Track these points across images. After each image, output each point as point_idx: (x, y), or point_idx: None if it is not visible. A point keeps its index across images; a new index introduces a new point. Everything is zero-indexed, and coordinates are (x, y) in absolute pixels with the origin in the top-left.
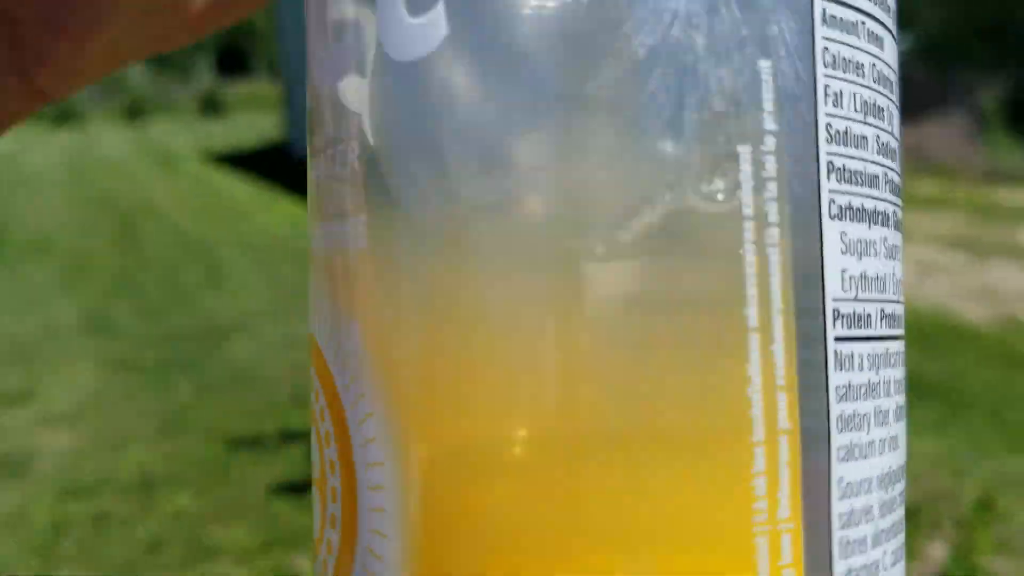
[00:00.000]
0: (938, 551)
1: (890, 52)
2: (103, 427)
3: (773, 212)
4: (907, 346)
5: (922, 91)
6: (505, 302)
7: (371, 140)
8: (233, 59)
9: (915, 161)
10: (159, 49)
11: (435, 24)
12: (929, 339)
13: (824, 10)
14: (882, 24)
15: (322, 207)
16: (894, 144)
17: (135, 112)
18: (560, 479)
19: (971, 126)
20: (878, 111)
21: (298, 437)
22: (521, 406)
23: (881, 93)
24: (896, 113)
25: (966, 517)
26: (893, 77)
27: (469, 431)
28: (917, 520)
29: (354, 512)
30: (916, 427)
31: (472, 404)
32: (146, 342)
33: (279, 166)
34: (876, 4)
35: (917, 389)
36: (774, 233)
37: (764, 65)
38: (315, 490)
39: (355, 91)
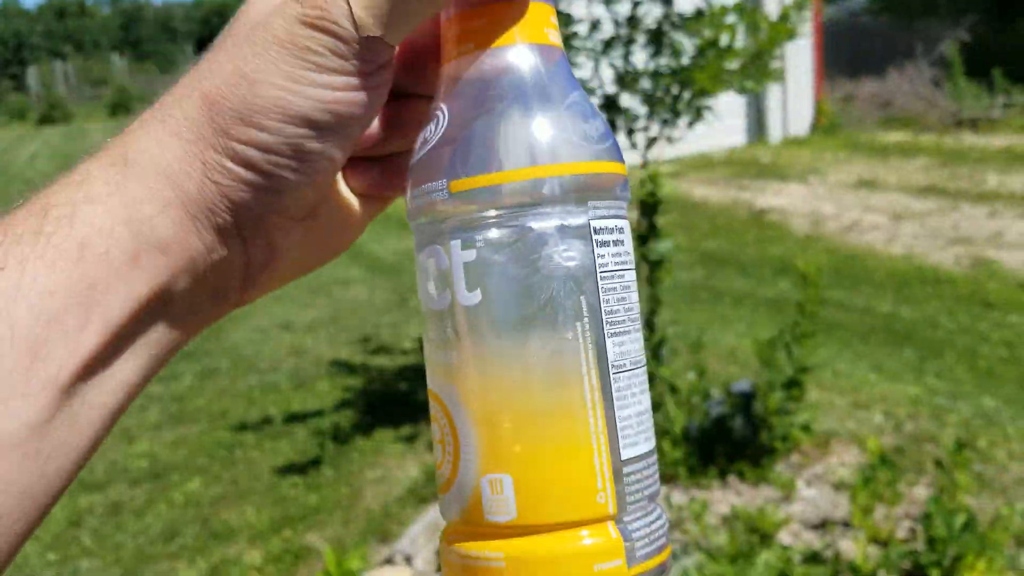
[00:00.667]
0: (922, 492)
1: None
2: None
3: (590, 339)
4: (882, 293)
5: (887, 43)
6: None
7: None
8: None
9: (883, 111)
10: (326, 262)
11: (477, 296)
12: (903, 286)
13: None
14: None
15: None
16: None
17: (119, 107)
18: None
19: (935, 75)
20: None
21: (300, 419)
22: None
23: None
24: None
25: (947, 458)
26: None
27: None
28: (901, 463)
29: (458, 451)
30: (894, 372)
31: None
32: None
33: None
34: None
35: (893, 335)
36: (589, 340)
37: (582, 300)
38: (437, 445)
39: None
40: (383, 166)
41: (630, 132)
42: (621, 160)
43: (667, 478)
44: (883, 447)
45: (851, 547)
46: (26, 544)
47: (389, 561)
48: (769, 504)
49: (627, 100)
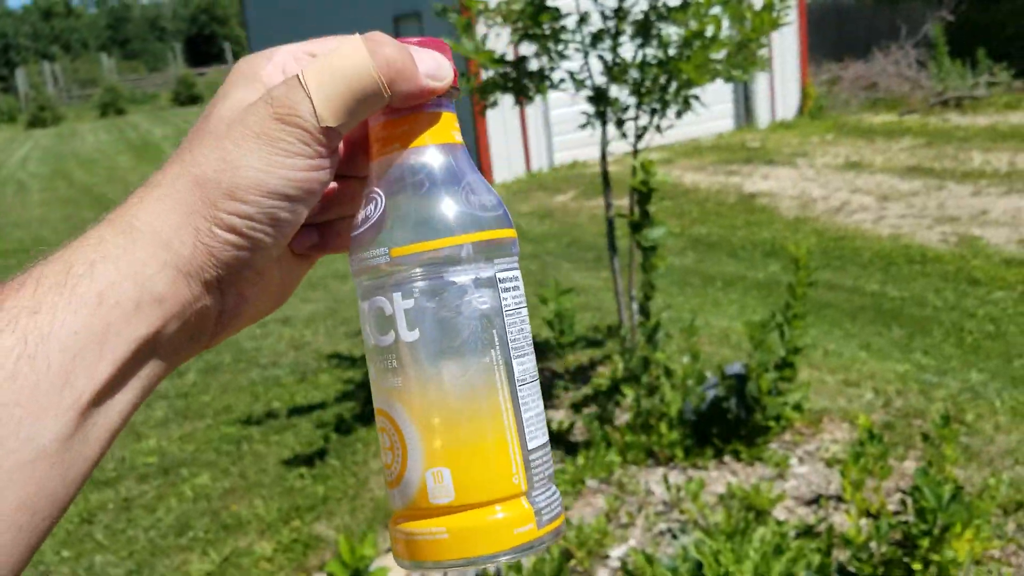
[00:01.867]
0: (911, 466)
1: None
2: None
3: (501, 361)
4: (870, 273)
5: (870, 26)
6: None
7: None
8: (201, 47)
9: (868, 93)
10: (272, 311)
11: (415, 333)
12: (891, 265)
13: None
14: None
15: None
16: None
17: (109, 107)
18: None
19: (920, 55)
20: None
21: (305, 411)
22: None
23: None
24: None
25: (935, 432)
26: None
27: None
28: (890, 438)
29: (405, 453)
30: (882, 350)
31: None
32: None
33: None
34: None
35: (881, 314)
36: (500, 362)
37: (494, 332)
38: (386, 451)
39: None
40: (321, 230)
41: (620, 122)
42: (511, 225)
43: (665, 459)
44: (873, 423)
45: (843, 520)
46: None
47: None
48: (764, 482)
49: (616, 91)
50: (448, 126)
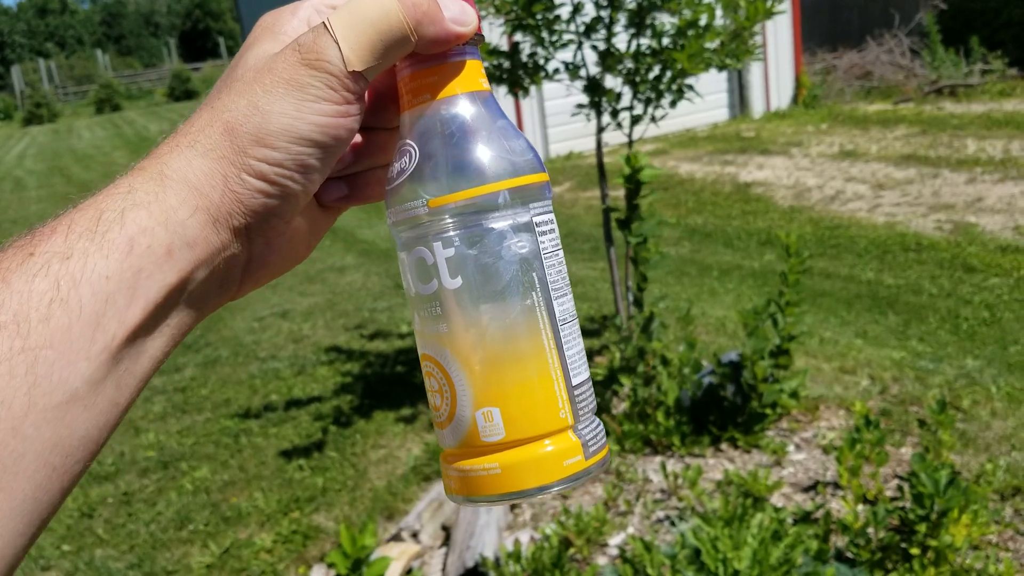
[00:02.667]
0: (908, 452)
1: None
2: None
3: (542, 303)
4: (866, 261)
5: (864, 14)
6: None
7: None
8: (195, 42)
9: (862, 82)
10: (299, 262)
11: (457, 281)
12: (886, 253)
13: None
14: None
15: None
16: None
17: (105, 103)
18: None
19: (913, 44)
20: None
21: (303, 404)
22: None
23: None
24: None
25: (931, 418)
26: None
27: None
28: (887, 424)
29: (454, 396)
30: (878, 337)
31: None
32: None
33: None
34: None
35: (877, 301)
36: (542, 303)
37: (534, 275)
38: (435, 394)
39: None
40: (349, 182)
41: (614, 112)
42: (543, 169)
43: (662, 447)
44: (870, 410)
45: (841, 507)
46: (40, 535)
47: (396, 537)
48: (761, 469)
49: (610, 81)
50: (475, 74)
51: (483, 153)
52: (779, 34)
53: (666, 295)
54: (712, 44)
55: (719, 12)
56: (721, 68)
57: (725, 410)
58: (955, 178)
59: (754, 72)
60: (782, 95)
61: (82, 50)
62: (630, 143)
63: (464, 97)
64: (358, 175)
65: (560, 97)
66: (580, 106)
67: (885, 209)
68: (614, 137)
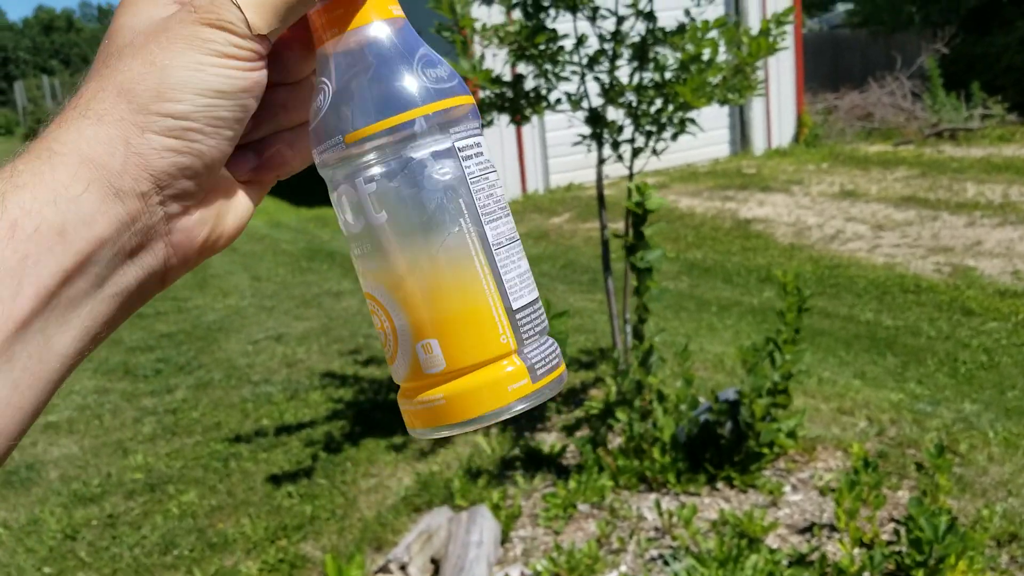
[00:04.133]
0: (905, 496)
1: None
2: (105, 432)
3: (472, 228)
4: (865, 301)
5: (866, 56)
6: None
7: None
8: None
9: (864, 123)
10: (225, 243)
11: (384, 215)
12: (885, 294)
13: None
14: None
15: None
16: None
17: None
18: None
19: (914, 86)
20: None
21: (294, 429)
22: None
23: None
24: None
25: (929, 462)
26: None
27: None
28: (884, 467)
29: (395, 331)
30: (877, 379)
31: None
32: (140, 346)
33: None
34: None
35: (876, 342)
36: (472, 229)
37: (460, 201)
38: (380, 332)
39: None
40: (257, 150)
41: (615, 144)
42: (467, 92)
43: (657, 484)
44: (867, 452)
45: (837, 550)
46: (21, 557)
47: (384, 569)
48: (756, 509)
49: (612, 113)
50: (385, 1)
51: (394, 82)
52: (781, 72)
53: (664, 329)
54: (715, 79)
55: (722, 47)
56: (723, 103)
57: (722, 448)
58: (954, 221)
59: (756, 109)
60: (783, 133)
61: (86, 68)
62: (631, 175)
63: (377, 25)
64: (265, 141)
65: (561, 128)
66: (582, 136)
67: (885, 250)
68: (614, 170)
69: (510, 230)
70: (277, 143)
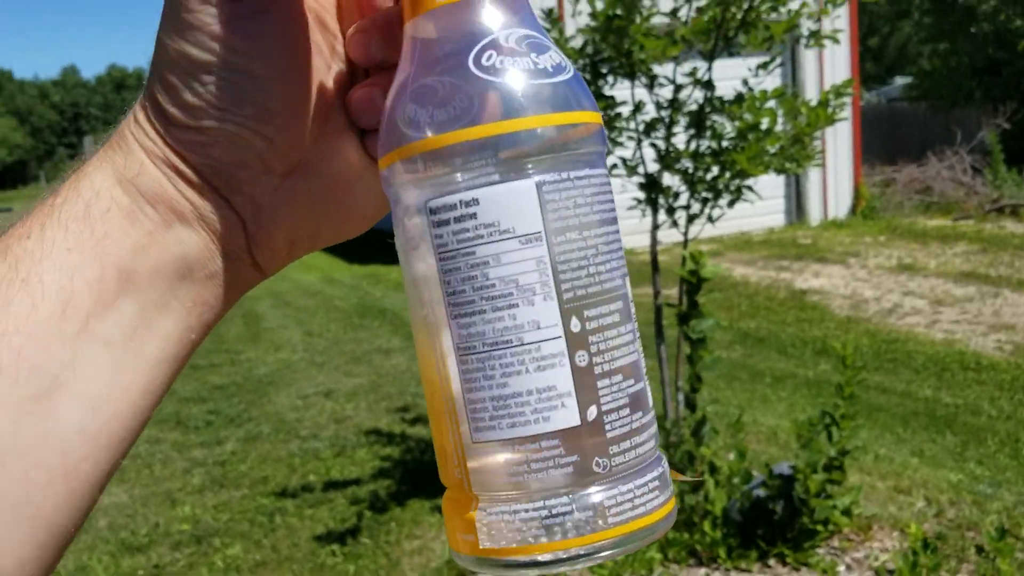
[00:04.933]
0: None
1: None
2: (155, 481)
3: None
4: (923, 377)
5: (925, 129)
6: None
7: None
8: None
9: (922, 197)
10: (343, 237)
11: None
12: (944, 371)
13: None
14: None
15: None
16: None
17: None
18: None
19: (974, 161)
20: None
21: (340, 486)
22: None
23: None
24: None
25: (989, 545)
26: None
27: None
28: (943, 549)
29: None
30: (935, 458)
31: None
32: (193, 397)
33: None
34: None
35: (934, 420)
36: (436, 318)
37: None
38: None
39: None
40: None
41: (670, 210)
42: (596, 107)
43: (707, 559)
44: (925, 533)
45: None
46: None
47: None
48: None
49: (668, 179)
50: None
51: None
52: (838, 143)
53: (717, 400)
54: (773, 148)
55: (780, 117)
56: (780, 171)
57: (774, 524)
58: (1017, 298)
59: (812, 180)
60: (840, 204)
61: None
62: (685, 242)
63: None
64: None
65: (616, 192)
66: (637, 200)
67: (944, 326)
68: (668, 236)
69: (497, 331)
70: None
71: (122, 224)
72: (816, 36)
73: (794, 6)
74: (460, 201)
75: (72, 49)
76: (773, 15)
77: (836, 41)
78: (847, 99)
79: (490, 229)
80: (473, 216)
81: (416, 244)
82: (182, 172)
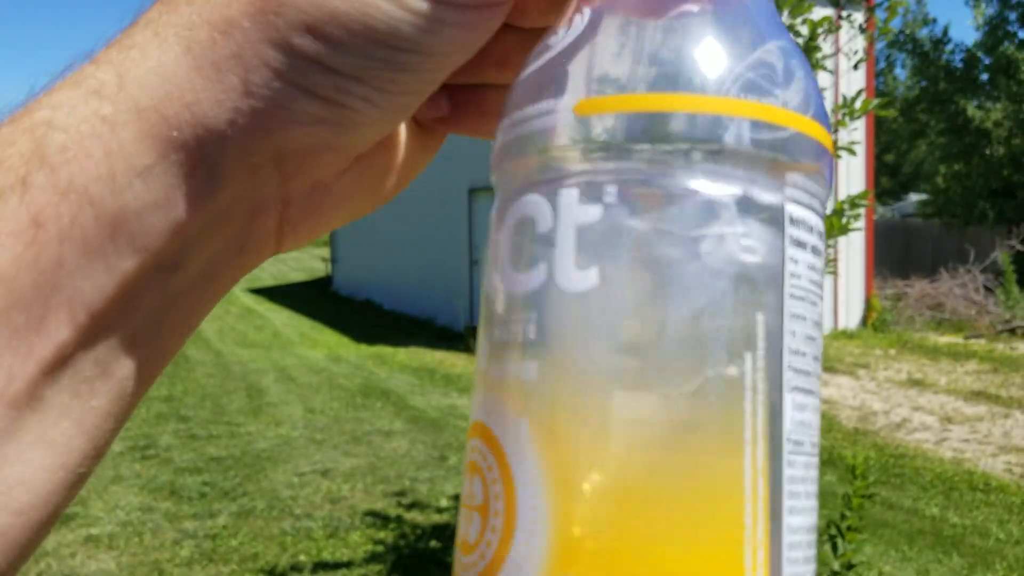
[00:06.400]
0: None
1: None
2: (144, 551)
3: (762, 385)
4: (931, 495)
5: (938, 246)
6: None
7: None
8: None
9: (933, 313)
10: (377, 206)
11: (590, 278)
12: (952, 490)
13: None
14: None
15: (492, 356)
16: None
17: None
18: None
19: (987, 280)
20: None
21: (331, 568)
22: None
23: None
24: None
25: None
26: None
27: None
28: None
29: (511, 525)
30: None
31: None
32: (189, 467)
33: (322, 300)
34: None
35: (941, 540)
36: (761, 386)
37: (760, 318)
38: (473, 513)
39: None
40: (454, 97)
41: None
42: (830, 128)
43: None
44: None
45: None
46: None
47: None
48: None
49: None
50: None
51: (726, 41)
52: (851, 255)
53: None
54: None
55: None
56: None
57: None
58: None
59: (824, 289)
60: (851, 315)
61: None
62: None
63: None
64: (468, 89)
65: None
66: None
67: (953, 444)
68: None
69: (817, 423)
70: (483, 98)
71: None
72: (833, 147)
73: None
74: (817, 225)
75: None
76: None
77: (852, 153)
78: (861, 210)
79: (822, 277)
80: (820, 251)
81: (746, 265)
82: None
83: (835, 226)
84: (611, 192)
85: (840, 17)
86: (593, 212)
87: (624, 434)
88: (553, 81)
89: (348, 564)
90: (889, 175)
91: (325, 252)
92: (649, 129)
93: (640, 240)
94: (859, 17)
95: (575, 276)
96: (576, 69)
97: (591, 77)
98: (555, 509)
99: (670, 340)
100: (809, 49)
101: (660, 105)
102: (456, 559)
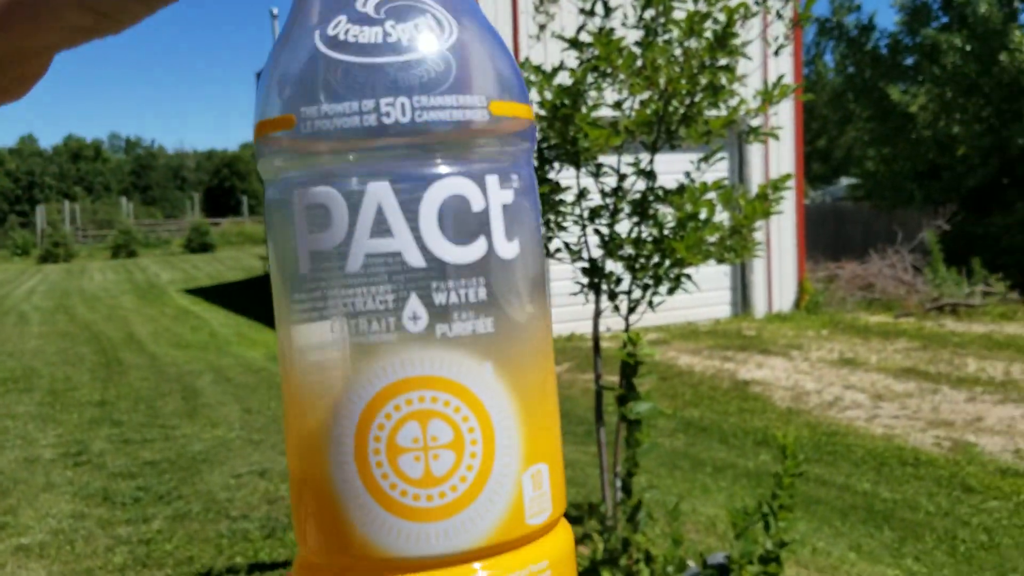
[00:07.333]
0: None
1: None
2: (76, 559)
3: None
4: (862, 471)
5: (867, 229)
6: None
7: None
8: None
9: (864, 293)
10: (89, 37)
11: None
12: (883, 465)
13: None
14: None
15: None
16: None
17: (122, 248)
18: None
19: (915, 260)
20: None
21: (268, 569)
22: None
23: None
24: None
25: None
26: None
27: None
28: None
29: (491, 447)
30: (872, 553)
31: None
32: (123, 472)
33: (260, 299)
34: None
35: (872, 514)
36: None
37: None
38: (442, 452)
39: None
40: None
41: (612, 295)
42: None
43: None
44: None
45: None
46: None
47: None
48: None
49: (611, 265)
50: None
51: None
52: (783, 239)
53: (655, 487)
54: (712, 238)
55: (719, 208)
56: (720, 261)
57: None
58: (955, 395)
59: (757, 273)
60: (784, 298)
61: (108, 196)
62: (627, 327)
63: None
64: None
65: (565, 278)
66: (581, 285)
67: (883, 420)
68: (619, 324)
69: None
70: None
71: None
72: (755, 132)
73: (735, 103)
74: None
75: (31, 119)
76: (714, 111)
77: (775, 137)
78: (785, 193)
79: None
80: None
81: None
82: None
83: (758, 209)
84: (516, 176)
85: (758, 3)
86: (507, 194)
87: (540, 346)
88: (464, 80)
89: (286, 564)
90: (821, 160)
91: (263, 250)
92: (521, 127)
93: (528, 214)
94: (777, 3)
95: (507, 246)
96: (480, 75)
97: (499, 83)
98: (524, 420)
99: (541, 278)
100: (727, 35)
101: (521, 111)
102: (398, 500)
